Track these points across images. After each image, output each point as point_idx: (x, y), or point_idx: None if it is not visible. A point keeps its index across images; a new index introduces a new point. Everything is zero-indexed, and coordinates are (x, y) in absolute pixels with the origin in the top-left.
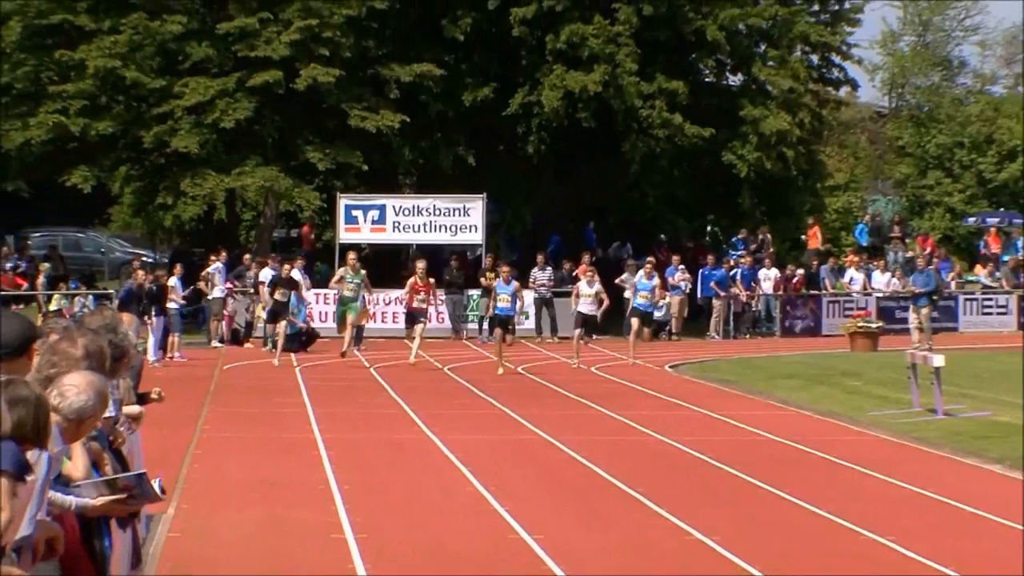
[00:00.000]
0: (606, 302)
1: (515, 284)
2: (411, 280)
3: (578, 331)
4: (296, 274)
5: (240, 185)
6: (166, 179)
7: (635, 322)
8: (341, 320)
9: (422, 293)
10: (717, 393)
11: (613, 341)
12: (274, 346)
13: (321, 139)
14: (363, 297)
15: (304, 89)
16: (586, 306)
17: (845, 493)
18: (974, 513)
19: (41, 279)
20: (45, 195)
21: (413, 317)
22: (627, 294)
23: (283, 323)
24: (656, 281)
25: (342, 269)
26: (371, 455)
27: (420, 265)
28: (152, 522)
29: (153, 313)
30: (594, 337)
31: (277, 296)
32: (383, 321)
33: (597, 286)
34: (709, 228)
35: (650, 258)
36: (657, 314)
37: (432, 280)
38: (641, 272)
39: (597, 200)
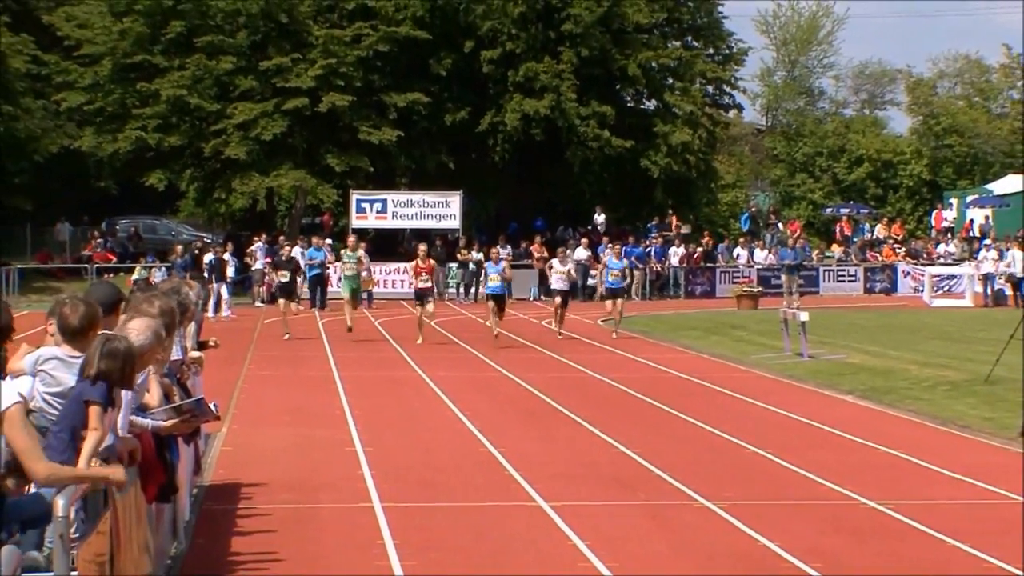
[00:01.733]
0: (574, 277)
1: (503, 264)
2: (413, 263)
3: (557, 299)
4: (296, 251)
5: (277, 184)
6: (220, 179)
7: (610, 303)
8: (349, 291)
9: (424, 274)
10: (636, 341)
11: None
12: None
13: (338, 149)
14: (359, 273)
15: (325, 111)
16: (559, 282)
17: (734, 416)
18: (831, 432)
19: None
20: (129, 192)
21: (421, 296)
22: (552, 273)
23: (293, 304)
24: (625, 262)
25: (343, 251)
26: (376, 388)
27: (421, 248)
28: (210, 439)
29: (214, 280)
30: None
31: (279, 277)
32: (384, 287)
33: (569, 264)
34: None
35: (616, 244)
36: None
37: (433, 261)
38: (611, 254)
39: (546, 195)
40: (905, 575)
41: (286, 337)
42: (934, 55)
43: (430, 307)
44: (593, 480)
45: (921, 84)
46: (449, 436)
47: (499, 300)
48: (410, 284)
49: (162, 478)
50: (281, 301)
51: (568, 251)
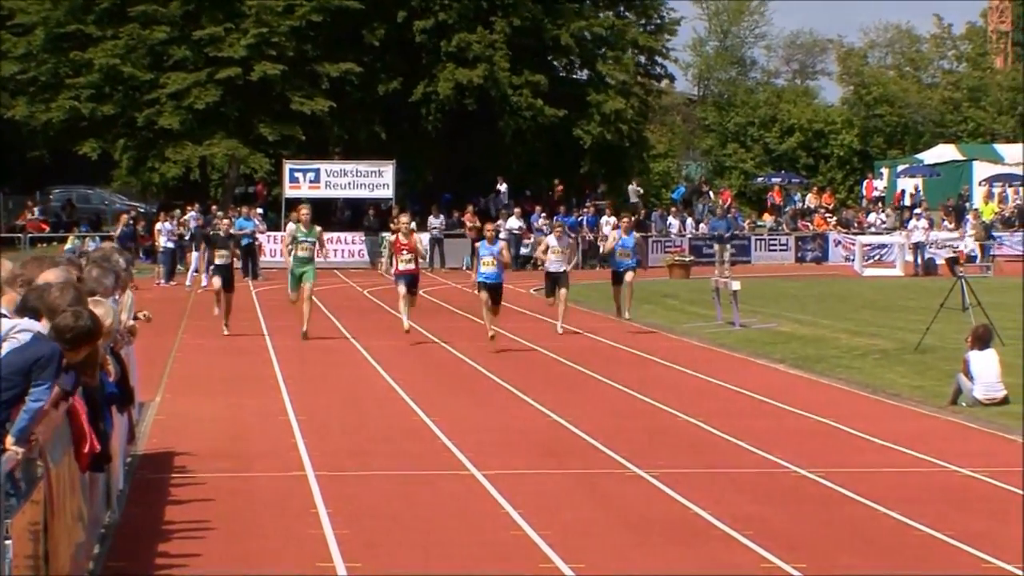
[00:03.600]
0: (576, 257)
1: (501, 244)
2: (391, 238)
3: (563, 292)
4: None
5: (210, 153)
6: (154, 149)
7: (629, 275)
8: (296, 285)
9: (405, 252)
10: (569, 310)
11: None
12: (228, 311)
13: (271, 119)
14: (314, 257)
15: (257, 80)
16: (555, 263)
17: (665, 385)
18: (762, 400)
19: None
20: (62, 161)
21: (404, 279)
22: (548, 254)
23: (229, 294)
24: (637, 236)
25: (292, 226)
26: (308, 356)
27: (403, 219)
28: (144, 408)
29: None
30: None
31: (217, 258)
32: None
33: (567, 240)
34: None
35: (625, 217)
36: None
37: (418, 237)
38: (619, 229)
39: (479, 164)
40: (835, 542)
41: (225, 332)
42: (865, 25)
43: (413, 290)
44: (525, 448)
45: (852, 54)
46: (382, 405)
47: (495, 291)
48: (387, 267)
49: (95, 447)
50: (217, 285)
51: (561, 224)
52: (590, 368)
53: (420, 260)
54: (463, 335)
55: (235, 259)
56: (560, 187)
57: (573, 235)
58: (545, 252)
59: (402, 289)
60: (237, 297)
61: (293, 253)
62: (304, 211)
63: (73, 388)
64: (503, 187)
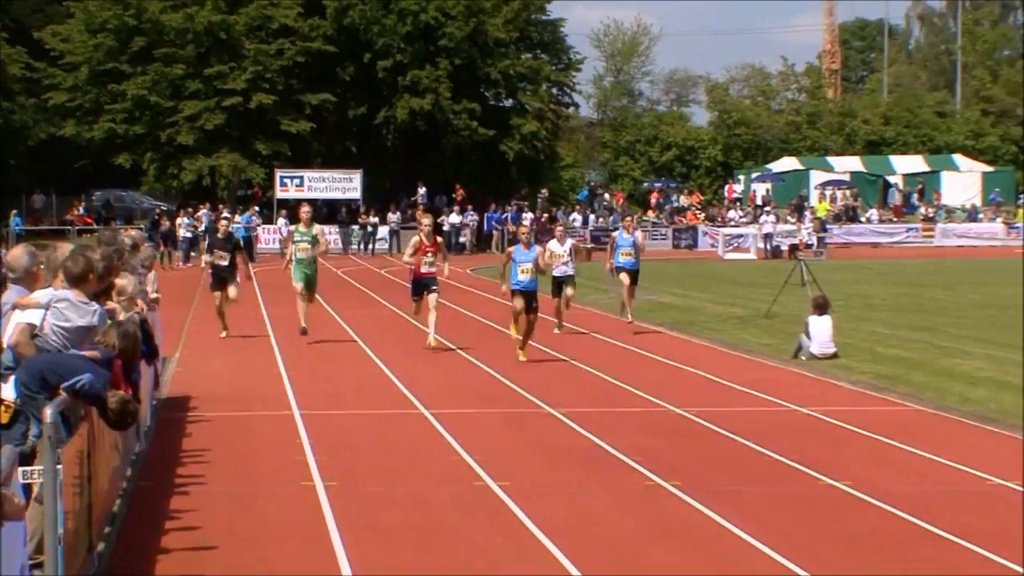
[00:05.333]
0: (580, 253)
1: (538, 249)
2: (414, 239)
3: (568, 291)
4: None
5: (217, 164)
6: (173, 160)
7: (624, 277)
8: (307, 286)
9: (430, 254)
10: (495, 285)
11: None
12: (221, 316)
13: (265, 137)
14: (316, 258)
15: (255, 107)
16: (560, 267)
17: (573, 345)
18: (647, 355)
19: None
20: (102, 169)
21: (422, 286)
22: (552, 260)
23: (231, 289)
24: (639, 234)
25: (292, 226)
26: (295, 324)
27: (426, 221)
28: (166, 362)
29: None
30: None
31: (217, 260)
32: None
33: (569, 242)
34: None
35: (628, 216)
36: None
37: (440, 239)
38: (621, 229)
39: (427, 173)
40: (703, 465)
41: (223, 335)
42: (727, 65)
43: (433, 297)
44: (465, 395)
45: (717, 87)
46: (354, 361)
47: (530, 299)
48: (409, 268)
49: (127, 392)
50: (216, 293)
51: (563, 228)
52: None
53: (444, 262)
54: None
55: (235, 261)
56: (460, 190)
57: (500, 227)
58: (550, 258)
59: (431, 297)
60: (245, 287)
61: (293, 252)
62: (305, 210)
63: (104, 386)
64: (422, 190)
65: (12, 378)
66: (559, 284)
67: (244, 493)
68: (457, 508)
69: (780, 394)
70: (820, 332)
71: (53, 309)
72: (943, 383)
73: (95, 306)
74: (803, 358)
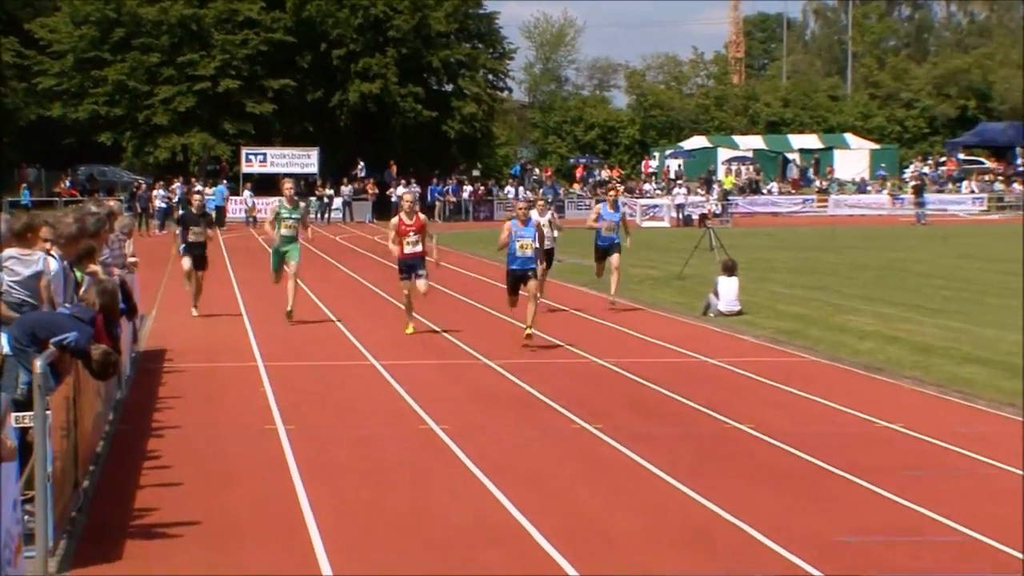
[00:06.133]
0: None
1: (535, 220)
2: (393, 220)
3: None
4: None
5: (189, 142)
6: (150, 139)
7: (615, 258)
8: (279, 267)
9: (411, 234)
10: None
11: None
12: (198, 290)
13: (231, 118)
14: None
15: (222, 91)
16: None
17: (500, 299)
18: (572, 312)
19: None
20: (86, 147)
21: (408, 268)
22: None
23: (201, 273)
24: (625, 210)
25: (276, 201)
26: (261, 287)
27: (407, 198)
28: (144, 318)
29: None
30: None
31: (192, 236)
32: (265, 212)
33: (549, 214)
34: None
35: (612, 190)
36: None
37: (424, 217)
38: (604, 203)
39: (377, 150)
40: (620, 408)
41: (194, 314)
42: (644, 53)
43: (421, 283)
44: (410, 348)
45: (635, 74)
46: (312, 318)
47: (528, 278)
48: (391, 245)
49: (109, 345)
50: (187, 264)
51: (543, 200)
52: (459, 292)
53: (429, 240)
54: (370, 269)
55: (207, 238)
56: (393, 165)
57: (442, 198)
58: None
59: (419, 283)
60: (213, 251)
61: (277, 231)
62: (288, 185)
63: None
64: (361, 164)
65: (1, 334)
66: (547, 259)
67: (213, 435)
68: (403, 447)
69: (691, 347)
70: (727, 292)
71: (5, 269)
72: (836, 336)
73: (37, 254)
74: (712, 315)
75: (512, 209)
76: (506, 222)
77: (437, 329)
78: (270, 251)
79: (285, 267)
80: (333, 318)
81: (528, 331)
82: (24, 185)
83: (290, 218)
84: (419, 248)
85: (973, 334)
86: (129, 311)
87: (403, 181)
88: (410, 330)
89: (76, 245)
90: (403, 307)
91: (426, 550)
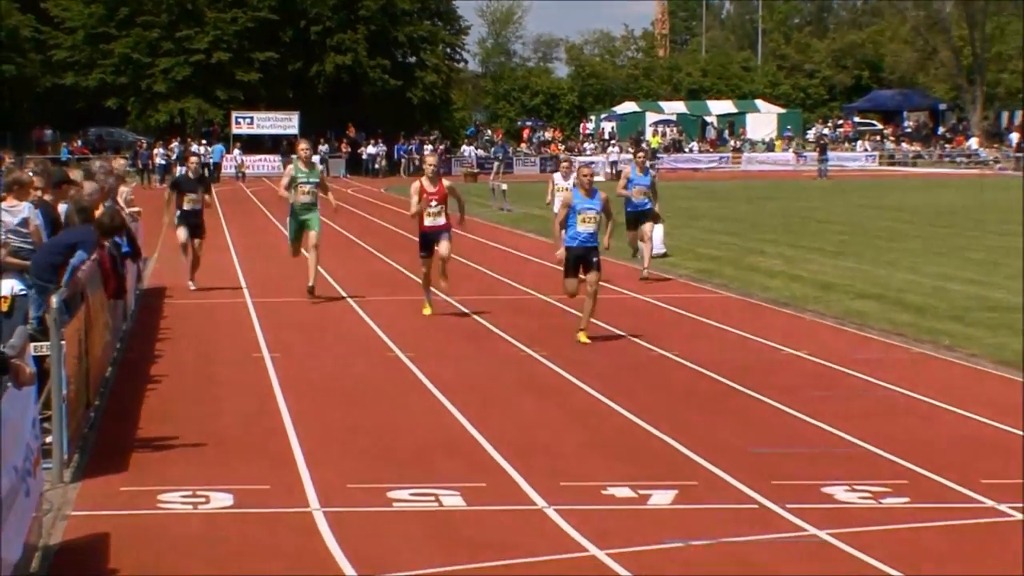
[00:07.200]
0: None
1: (603, 195)
2: (415, 185)
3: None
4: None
5: (186, 107)
6: (152, 104)
7: (648, 226)
8: (297, 237)
9: (434, 203)
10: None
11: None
12: (195, 262)
13: (223, 86)
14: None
15: (215, 63)
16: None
17: (461, 246)
18: (518, 254)
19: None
20: (96, 110)
21: (430, 241)
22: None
23: (197, 240)
24: (654, 173)
25: (290, 166)
26: (255, 247)
27: (430, 160)
28: (147, 260)
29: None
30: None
31: (187, 203)
32: (254, 169)
33: (573, 176)
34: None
35: (640, 154)
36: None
37: (448, 183)
38: (634, 165)
39: (351, 114)
40: (556, 337)
41: (191, 287)
42: (582, 30)
43: (444, 247)
44: (382, 285)
45: (574, 47)
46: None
47: (591, 257)
48: (412, 217)
49: (115, 283)
50: (182, 236)
51: (568, 160)
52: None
53: (461, 211)
54: (359, 226)
55: (205, 204)
56: (351, 129)
57: (407, 156)
58: (557, 191)
59: (440, 247)
60: (211, 207)
61: (294, 197)
62: (303, 146)
63: (89, 253)
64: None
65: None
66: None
67: (207, 361)
68: (373, 372)
69: (623, 285)
70: (655, 236)
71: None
72: (747, 276)
73: (22, 205)
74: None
75: (559, 167)
76: (549, 185)
77: (400, 268)
78: (287, 220)
79: (305, 238)
80: (320, 269)
81: (582, 339)
82: (64, 144)
83: (307, 182)
84: (442, 220)
85: (866, 273)
86: (133, 254)
87: (372, 141)
88: (428, 311)
89: (11, 191)
90: (420, 285)
91: (393, 462)
